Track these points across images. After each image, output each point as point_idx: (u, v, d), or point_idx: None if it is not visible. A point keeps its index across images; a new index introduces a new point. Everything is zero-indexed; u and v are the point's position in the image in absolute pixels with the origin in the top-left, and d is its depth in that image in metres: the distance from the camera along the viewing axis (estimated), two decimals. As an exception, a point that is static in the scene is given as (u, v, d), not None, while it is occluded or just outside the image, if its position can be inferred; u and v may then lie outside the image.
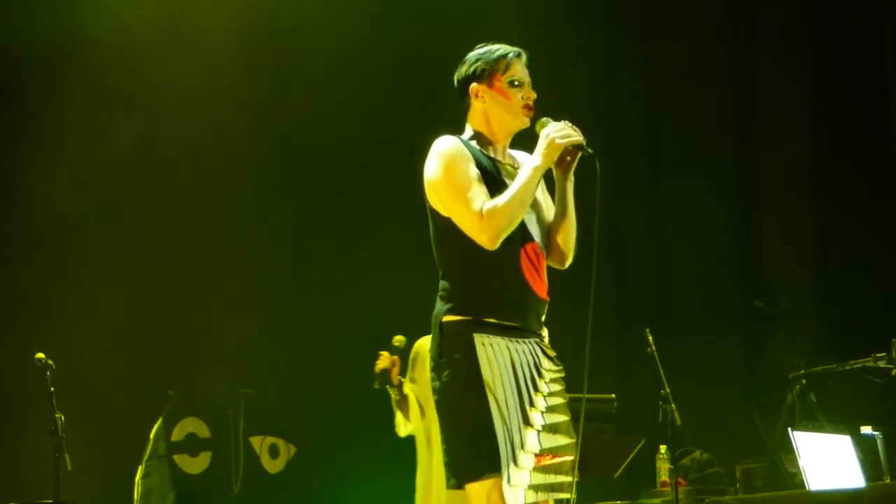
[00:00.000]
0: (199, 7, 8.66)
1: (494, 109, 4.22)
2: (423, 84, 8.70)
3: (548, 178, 4.27)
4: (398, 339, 6.44)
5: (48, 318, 8.14)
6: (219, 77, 8.62)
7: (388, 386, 6.38)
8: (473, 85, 4.23)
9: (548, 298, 4.22)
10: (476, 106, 4.25)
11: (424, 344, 6.37)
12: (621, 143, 9.78)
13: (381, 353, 6.43)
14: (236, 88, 8.79)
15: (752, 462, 8.35)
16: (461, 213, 4.06)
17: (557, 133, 4.11)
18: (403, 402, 6.39)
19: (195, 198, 8.66)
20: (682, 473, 7.81)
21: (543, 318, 4.22)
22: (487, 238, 4.02)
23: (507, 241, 4.07)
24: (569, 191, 4.25)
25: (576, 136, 4.12)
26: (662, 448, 7.51)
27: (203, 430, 8.72)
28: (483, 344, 4.02)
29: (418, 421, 6.37)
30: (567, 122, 4.17)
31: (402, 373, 6.45)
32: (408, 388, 6.37)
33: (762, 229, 9.81)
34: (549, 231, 4.27)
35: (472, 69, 4.24)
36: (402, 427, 6.44)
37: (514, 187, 4.06)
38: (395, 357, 6.41)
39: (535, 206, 4.24)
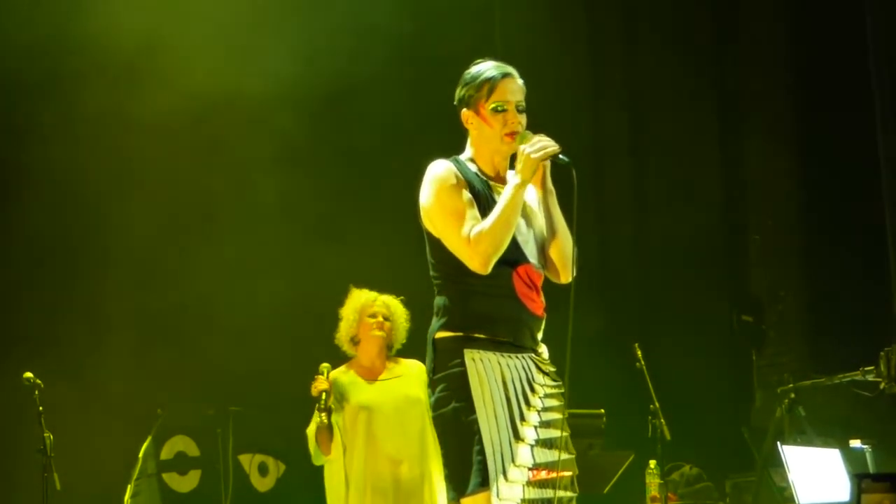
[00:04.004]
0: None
1: (482, 136, 4.26)
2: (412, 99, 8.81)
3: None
4: (325, 366, 6.50)
5: (36, 337, 8.13)
6: (217, 81, 8.64)
7: (319, 409, 6.38)
8: (464, 111, 4.28)
9: (543, 315, 4.24)
10: (470, 131, 4.30)
11: (337, 373, 6.52)
12: (609, 158, 9.80)
13: (320, 372, 6.46)
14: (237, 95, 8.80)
15: (741, 476, 8.36)
16: (451, 240, 4.12)
17: (533, 148, 4.13)
18: (327, 430, 6.39)
19: (181, 216, 8.66)
20: (672, 488, 7.81)
21: (540, 335, 4.24)
22: (478, 263, 4.06)
23: (500, 263, 4.09)
24: (551, 205, 4.28)
25: (551, 147, 4.14)
26: (652, 463, 7.50)
27: (192, 449, 8.69)
28: (473, 359, 4.05)
29: (339, 454, 6.40)
30: (542, 134, 4.19)
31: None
32: (334, 419, 6.41)
33: (750, 245, 9.84)
34: (545, 249, 4.30)
35: (461, 95, 4.28)
36: (317, 456, 6.51)
37: (496, 210, 4.10)
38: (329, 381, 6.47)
39: (532, 226, 4.27)
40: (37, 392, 6.91)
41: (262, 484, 8.95)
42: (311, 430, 6.47)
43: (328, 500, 6.59)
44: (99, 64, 8.40)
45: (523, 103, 4.26)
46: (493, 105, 4.21)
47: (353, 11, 9.01)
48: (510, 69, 4.28)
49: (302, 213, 9.02)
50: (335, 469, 6.48)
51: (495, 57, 4.38)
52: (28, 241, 8.28)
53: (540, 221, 4.32)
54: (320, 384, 6.39)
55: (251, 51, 8.82)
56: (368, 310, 6.62)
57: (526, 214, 4.26)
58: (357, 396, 6.49)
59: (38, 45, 8.21)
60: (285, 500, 8.94)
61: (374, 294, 6.69)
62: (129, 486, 8.16)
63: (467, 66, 4.34)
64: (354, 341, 6.65)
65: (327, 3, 9.01)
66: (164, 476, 8.52)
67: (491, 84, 4.22)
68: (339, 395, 6.49)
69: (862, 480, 3.80)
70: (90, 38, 8.30)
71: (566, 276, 4.29)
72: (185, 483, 8.63)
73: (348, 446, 6.42)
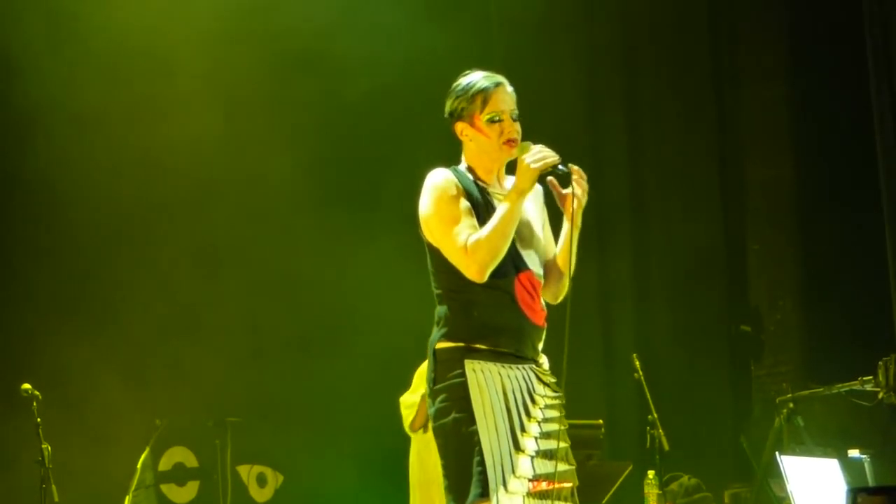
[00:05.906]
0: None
1: (480, 147, 4.26)
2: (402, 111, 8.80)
3: (554, 209, 4.32)
4: None
5: (34, 347, 8.13)
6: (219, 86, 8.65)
7: None
8: (457, 124, 4.28)
9: (545, 325, 4.24)
10: (465, 142, 4.30)
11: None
12: (607, 169, 9.79)
13: None
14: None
15: (740, 486, 8.36)
16: (449, 248, 4.12)
17: (533, 158, 4.13)
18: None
19: (184, 230, 8.67)
20: (671, 499, 7.81)
21: (541, 346, 4.24)
22: (475, 271, 4.07)
23: (502, 270, 4.10)
24: (574, 238, 4.26)
25: (551, 157, 4.14)
26: (650, 473, 7.50)
27: (190, 460, 8.69)
28: (474, 370, 4.05)
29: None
30: (542, 145, 4.18)
31: None
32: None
33: (748, 254, 9.84)
34: (546, 264, 4.30)
35: (453, 107, 4.27)
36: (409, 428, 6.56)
37: (494, 219, 4.10)
38: None
39: (533, 236, 4.28)
40: (35, 403, 6.90)
41: (261, 495, 8.94)
42: (405, 398, 6.47)
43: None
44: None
45: (517, 111, 4.27)
46: (488, 116, 4.22)
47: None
48: (500, 78, 4.29)
49: (293, 227, 9.02)
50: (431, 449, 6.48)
51: (493, 68, 4.38)
52: (29, 249, 8.28)
53: (542, 236, 4.32)
54: None
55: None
56: None
57: (526, 223, 4.26)
58: None
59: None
60: (283, 511, 8.95)
61: None
62: (127, 498, 8.14)
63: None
64: None
65: None
66: (163, 487, 8.51)
67: (484, 95, 4.23)
68: None
69: (857, 494, 3.78)
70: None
71: (556, 300, 4.31)
72: (184, 494, 8.62)
73: None
